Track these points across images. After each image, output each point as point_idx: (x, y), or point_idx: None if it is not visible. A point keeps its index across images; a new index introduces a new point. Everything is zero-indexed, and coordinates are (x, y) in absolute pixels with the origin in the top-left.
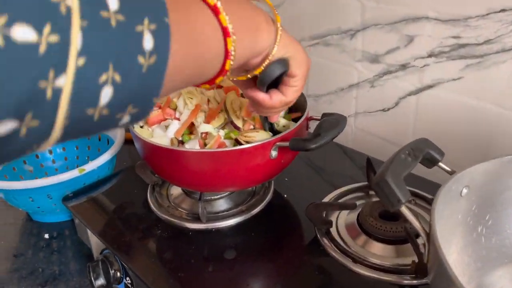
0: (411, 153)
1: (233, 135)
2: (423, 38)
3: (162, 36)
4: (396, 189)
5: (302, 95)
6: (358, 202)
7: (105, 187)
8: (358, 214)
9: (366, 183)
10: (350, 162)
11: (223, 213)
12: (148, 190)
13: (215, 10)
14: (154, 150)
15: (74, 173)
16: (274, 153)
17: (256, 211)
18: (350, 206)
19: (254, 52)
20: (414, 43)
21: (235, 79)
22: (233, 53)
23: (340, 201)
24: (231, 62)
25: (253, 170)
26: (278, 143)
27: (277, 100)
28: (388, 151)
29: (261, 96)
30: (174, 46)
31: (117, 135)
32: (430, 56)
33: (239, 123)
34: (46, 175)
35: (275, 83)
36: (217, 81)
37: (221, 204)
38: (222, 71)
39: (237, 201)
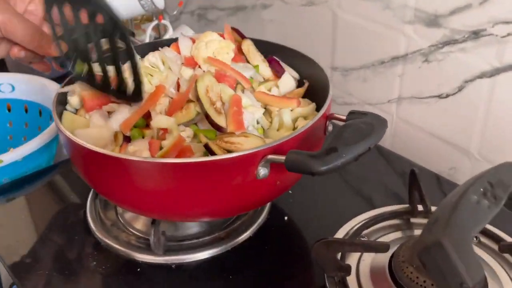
0: (489, 191)
1: (203, 138)
2: None
3: None
4: (459, 263)
5: (321, 71)
6: (392, 236)
7: (33, 185)
8: (391, 257)
9: (408, 205)
10: (387, 167)
11: (191, 241)
12: (90, 196)
13: None
14: (80, 152)
15: None
16: (263, 172)
17: (241, 239)
18: (379, 248)
19: None
20: (494, 0)
21: None
22: None
23: (366, 232)
24: None
25: (230, 195)
26: (270, 157)
27: None
28: (443, 155)
29: None
30: None
31: (55, 99)
32: None
33: (221, 121)
34: None
35: None
36: None
37: (190, 227)
38: None
39: (213, 222)
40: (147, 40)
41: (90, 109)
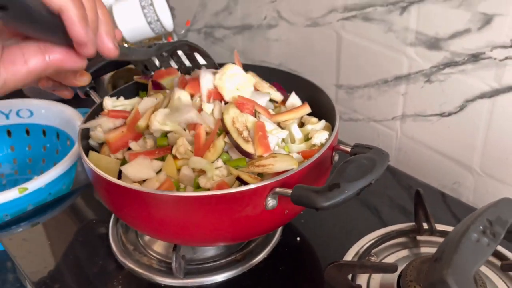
0: (488, 229)
1: (234, 170)
2: (507, 19)
3: None
4: None
5: (328, 100)
6: (401, 254)
7: (56, 210)
8: (400, 276)
9: (414, 224)
10: (392, 181)
11: (209, 263)
12: (111, 221)
13: None
14: (107, 187)
15: (12, 194)
16: (271, 203)
17: (256, 261)
18: (388, 269)
19: None
20: (492, 26)
21: None
22: None
23: (375, 250)
24: None
25: (242, 224)
26: (277, 190)
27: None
28: (447, 170)
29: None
30: None
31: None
32: None
33: (249, 148)
34: None
35: None
36: None
37: (207, 250)
38: None
39: (229, 245)
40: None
41: (116, 151)
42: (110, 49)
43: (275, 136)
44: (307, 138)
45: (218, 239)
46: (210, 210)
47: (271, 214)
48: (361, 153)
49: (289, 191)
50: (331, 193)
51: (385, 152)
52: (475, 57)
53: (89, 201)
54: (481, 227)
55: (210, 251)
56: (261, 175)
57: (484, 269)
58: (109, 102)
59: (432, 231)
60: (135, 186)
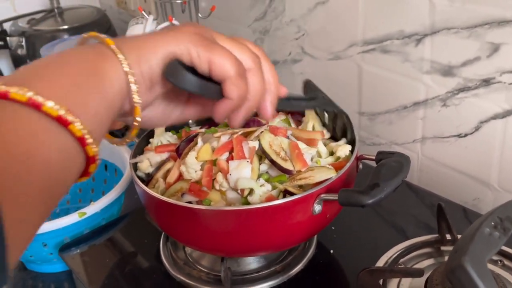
0: (499, 224)
1: (278, 185)
2: None
3: None
4: (478, 281)
5: (349, 122)
6: (426, 263)
7: (110, 233)
8: (427, 281)
9: (437, 235)
10: (416, 200)
11: (252, 274)
12: (161, 239)
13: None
14: (157, 204)
15: (73, 218)
16: (318, 208)
17: (294, 272)
18: (415, 273)
19: (112, 108)
20: (499, 53)
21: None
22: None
23: (403, 260)
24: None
25: (290, 230)
26: (323, 196)
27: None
28: (466, 188)
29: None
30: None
31: (126, 165)
32: None
33: (288, 166)
34: None
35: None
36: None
37: (250, 263)
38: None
39: (269, 258)
40: None
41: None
42: (268, 115)
43: (307, 153)
44: (331, 153)
45: (270, 247)
46: (269, 219)
47: (316, 219)
48: (386, 158)
49: (335, 195)
50: (373, 191)
51: (406, 156)
52: (486, 82)
53: (138, 224)
54: (492, 223)
55: (252, 264)
56: (301, 187)
57: (504, 273)
58: (155, 141)
59: (454, 241)
60: (197, 206)
